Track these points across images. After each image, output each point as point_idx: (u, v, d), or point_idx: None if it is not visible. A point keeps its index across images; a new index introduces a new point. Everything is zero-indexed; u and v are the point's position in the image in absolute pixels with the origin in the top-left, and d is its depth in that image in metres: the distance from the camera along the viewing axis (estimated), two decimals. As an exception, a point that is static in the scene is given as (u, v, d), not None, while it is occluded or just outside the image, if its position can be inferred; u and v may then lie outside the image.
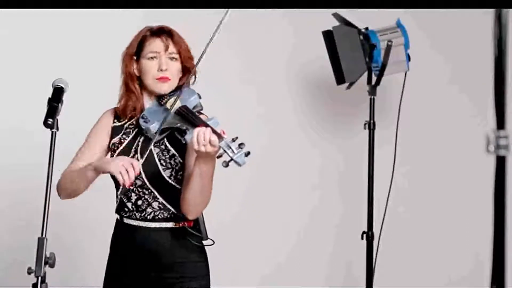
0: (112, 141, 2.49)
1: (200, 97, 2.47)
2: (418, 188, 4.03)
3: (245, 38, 3.89)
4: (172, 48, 2.45)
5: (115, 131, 2.51)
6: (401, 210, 3.93)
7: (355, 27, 3.49)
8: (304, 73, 3.98)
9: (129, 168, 2.25)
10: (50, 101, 2.22)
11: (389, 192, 3.60)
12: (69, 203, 3.52)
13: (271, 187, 3.93)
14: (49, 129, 2.17)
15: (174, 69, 2.46)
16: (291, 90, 3.99)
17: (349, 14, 3.52)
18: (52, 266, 2.06)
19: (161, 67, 2.43)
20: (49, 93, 2.29)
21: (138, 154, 2.44)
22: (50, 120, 2.14)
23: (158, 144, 2.44)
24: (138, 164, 2.29)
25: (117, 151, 2.47)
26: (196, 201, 2.35)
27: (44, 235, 2.08)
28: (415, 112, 3.89)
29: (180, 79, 2.51)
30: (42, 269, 2.02)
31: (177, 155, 2.44)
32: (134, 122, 2.49)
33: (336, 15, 3.48)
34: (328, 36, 3.47)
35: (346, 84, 3.53)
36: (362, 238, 3.55)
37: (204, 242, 2.50)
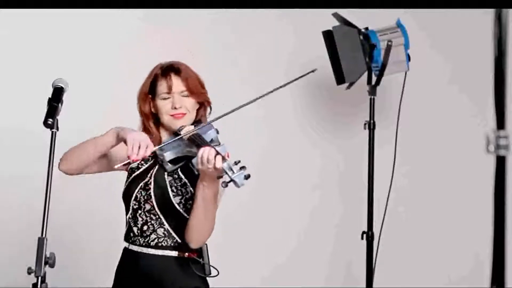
0: (131, 166, 2.52)
1: (217, 132, 2.48)
2: (418, 188, 4.03)
3: (245, 38, 3.89)
4: (181, 87, 2.49)
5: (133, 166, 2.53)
6: (401, 210, 3.93)
7: (355, 27, 3.49)
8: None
9: (142, 144, 2.29)
10: (50, 101, 2.22)
11: (389, 192, 3.60)
12: (69, 203, 3.52)
13: (271, 187, 3.93)
14: (49, 129, 2.17)
15: (188, 104, 2.50)
16: (291, 90, 3.97)
17: (349, 14, 3.52)
18: (52, 266, 2.06)
19: (174, 105, 2.47)
20: (49, 93, 2.29)
21: (152, 179, 2.47)
22: (50, 120, 2.14)
23: (171, 173, 2.47)
24: (151, 148, 2.32)
25: (133, 175, 2.50)
26: (201, 228, 2.39)
27: (44, 235, 2.08)
28: (415, 112, 3.89)
29: (197, 111, 2.55)
30: (42, 269, 2.02)
31: (188, 184, 2.46)
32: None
33: (336, 15, 3.48)
34: (328, 36, 3.47)
35: (346, 84, 3.52)
36: (362, 238, 3.55)
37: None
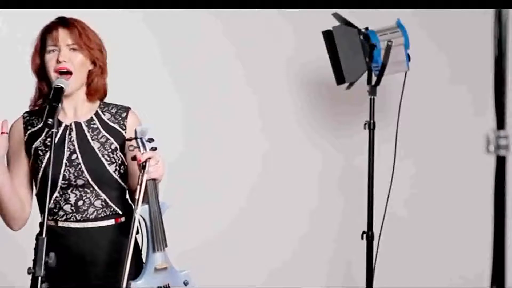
0: (34, 146, 2.37)
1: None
2: (418, 188, 4.03)
3: (245, 38, 3.88)
4: (68, 39, 2.34)
5: (33, 138, 2.38)
6: (401, 210, 3.93)
7: (355, 27, 3.49)
8: (304, 73, 3.98)
9: None
10: (50, 101, 2.22)
11: (389, 192, 3.60)
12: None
13: (272, 187, 3.93)
14: (49, 129, 2.17)
15: (76, 61, 2.34)
16: (291, 90, 3.98)
17: (349, 14, 3.52)
18: (52, 266, 2.06)
19: (58, 58, 2.32)
20: (48, 93, 2.28)
21: (78, 153, 2.34)
22: (50, 120, 2.14)
23: (96, 137, 2.37)
24: None
25: (48, 154, 2.32)
26: None
27: (44, 235, 2.07)
28: (415, 112, 3.89)
29: (91, 72, 2.38)
30: (42, 269, 2.02)
31: (119, 148, 2.36)
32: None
33: (336, 15, 3.48)
34: (328, 36, 3.47)
35: (346, 84, 3.52)
36: (362, 238, 3.55)
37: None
